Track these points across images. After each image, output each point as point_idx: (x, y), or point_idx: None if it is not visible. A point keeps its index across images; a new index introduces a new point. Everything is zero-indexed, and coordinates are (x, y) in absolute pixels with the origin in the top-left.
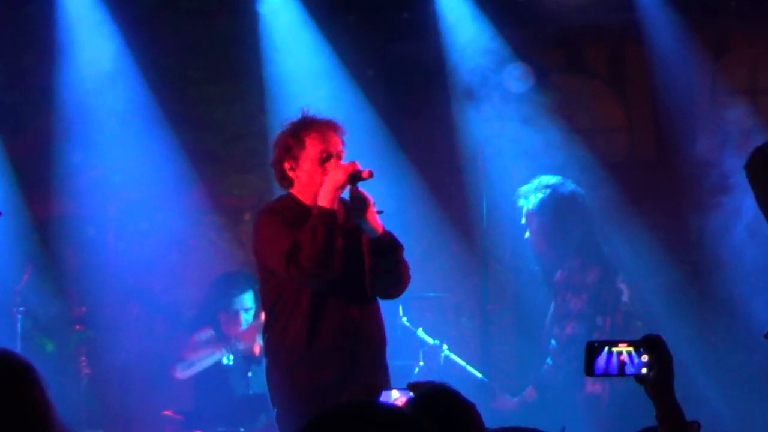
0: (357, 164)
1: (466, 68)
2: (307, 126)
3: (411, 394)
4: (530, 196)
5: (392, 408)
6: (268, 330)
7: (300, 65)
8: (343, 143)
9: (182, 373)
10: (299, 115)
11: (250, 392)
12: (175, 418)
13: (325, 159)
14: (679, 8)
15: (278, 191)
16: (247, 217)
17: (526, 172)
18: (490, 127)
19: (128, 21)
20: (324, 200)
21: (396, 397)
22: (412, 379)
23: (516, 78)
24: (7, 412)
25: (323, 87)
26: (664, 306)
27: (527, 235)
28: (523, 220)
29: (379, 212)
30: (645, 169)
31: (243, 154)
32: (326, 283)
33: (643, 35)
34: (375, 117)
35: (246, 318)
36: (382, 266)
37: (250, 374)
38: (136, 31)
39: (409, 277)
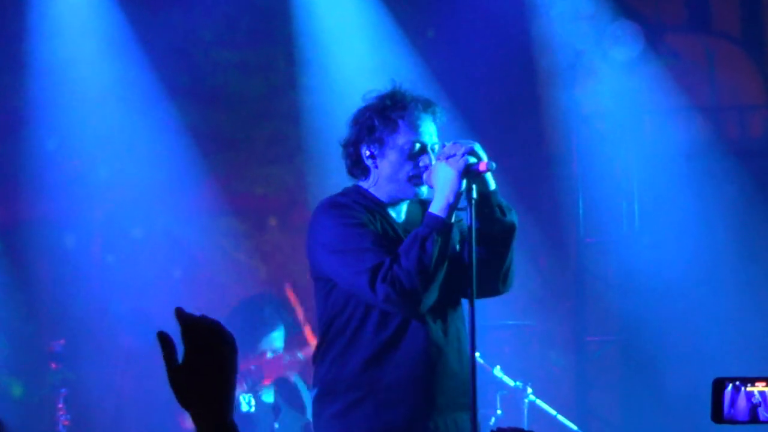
0: (468, 156)
1: (556, 32)
2: (400, 104)
3: None
4: None
5: None
6: (320, 357)
7: (340, 25)
8: (438, 131)
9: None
10: (389, 88)
11: None
12: None
13: (417, 152)
14: None
15: (313, 187)
16: (272, 222)
17: (636, 163)
18: (587, 106)
19: None
20: (440, 209)
21: None
22: None
23: (621, 40)
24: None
25: (372, 52)
26: None
27: None
28: None
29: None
30: None
31: (267, 139)
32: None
33: None
34: (437, 91)
35: (272, 361)
36: (499, 229)
37: (276, 426)
38: None
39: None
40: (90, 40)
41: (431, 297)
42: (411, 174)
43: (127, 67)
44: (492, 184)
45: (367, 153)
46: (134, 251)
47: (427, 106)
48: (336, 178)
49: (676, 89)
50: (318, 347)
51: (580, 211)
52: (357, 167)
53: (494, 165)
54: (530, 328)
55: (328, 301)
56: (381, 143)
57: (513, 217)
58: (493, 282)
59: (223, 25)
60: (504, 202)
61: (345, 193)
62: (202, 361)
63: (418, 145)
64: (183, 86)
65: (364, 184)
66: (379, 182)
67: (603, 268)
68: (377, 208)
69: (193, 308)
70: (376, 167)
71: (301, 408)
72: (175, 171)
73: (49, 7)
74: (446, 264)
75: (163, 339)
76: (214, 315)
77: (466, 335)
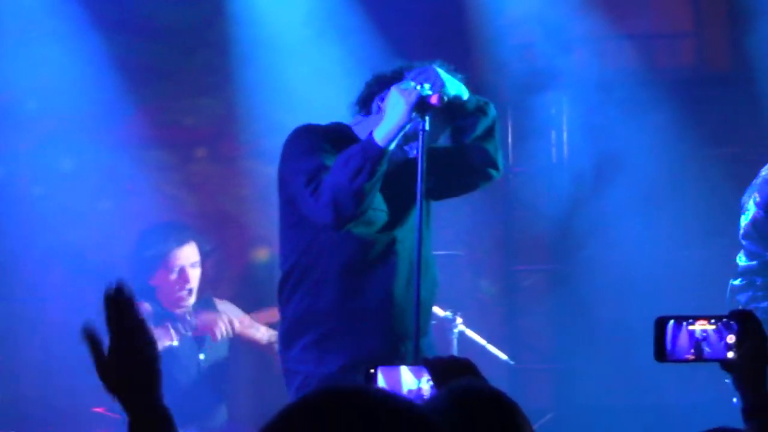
0: (423, 87)
1: None
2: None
3: (428, 377)
4: None
5: (407, 407)
6: (289, 291)
7: None
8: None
9: None
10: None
11: (204, 381)
12: (109, 416)
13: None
14: None
15: (243, 118)
16: (200, 153)
17: (565, 92)
18: (517, 35)
19: None
20: (382, 137)
21: (416, 386)
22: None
23: None
24: None
25: None
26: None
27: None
28: None
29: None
30: (718, 84)
31: (197, 70)
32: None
33: None
34: (366, 23)
35: (195, 276)
36: (483, 127)
37: (202, 356)
38: None
39: None
40: None
41: (356, 214)
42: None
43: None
44: (465, 94)
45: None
46: (63, 183)
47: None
48: (265, 108)
49: (606, 17)
50: (284, 282)
51: (509, 141)
52: (364, 103)
53: (447, 97)
54: (459, 258)
55: (295, 232)
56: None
57: (492, 111)
58: (489, 166)
59: None
60: (481, 101)
61: (328, 124)
62: (130, 353)
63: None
64: (111, 17)
65: (353, 121)
66: (369, 123)
67: (532, 197)
68: (351, 140)
69: (124, 237)
70: (378, 112)
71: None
72: (104, 103)
73: None
74: (369, 186)
75: (89, 335)
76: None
77: (434, 263)
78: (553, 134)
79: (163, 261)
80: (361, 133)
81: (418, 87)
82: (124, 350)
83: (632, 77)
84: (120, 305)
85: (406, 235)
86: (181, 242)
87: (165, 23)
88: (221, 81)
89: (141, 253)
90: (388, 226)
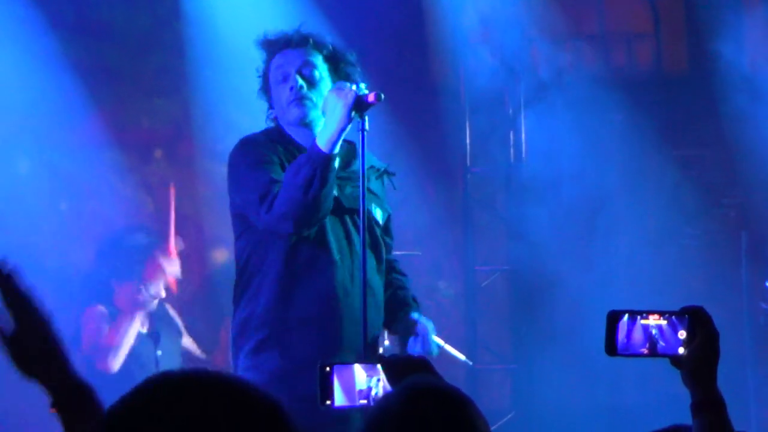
0: (358, 87)
1: None
2: (269, 48)
3: (382, 375)
4: None
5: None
6: (237, 297)
7: None
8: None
9: (113, 362)
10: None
11: None
12: None
13: (282, 79)
14: None
15: (198, 119)
16: (158, 154)
17: (523, 91)
18: (474, 35)
19: None
20: (325, 143)
21: (368, 384)
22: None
23: None
24: None
25: None
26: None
27: None
28: None
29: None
30: (675, 86)
31: (153, 72)
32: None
33: None
34: (321, 19)
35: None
36: None
37: (159, 353)
38: None
39: None
40: None
41: (310, 223)
42: (289, 99)
43: (8, 2)
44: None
45: (268, 104)
46: (19, 185)
47: (288, 42)
48: (221, 109)
49: (563, 17)
50: (235, 288)
51: (467, 141)
52: (265, 92)
53: (383, 95)
54: (417, 258)
55: (243, 240)
56: (266, 90)
57: None
58: None
59: None
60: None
61: (264, 131)
62: (30, 328)
63: (281, 73)
64: (67, 19)
65: (269, 115)
66: (283, 122)
67: (490, 197)
68: (287, 143)
69: (81, 240)
70: (275, 113)
71: (178, 332)
72: (60, 105)
73: None
74: (322, 193)
75: None
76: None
77: (380, 287)
78: (511, 134)
79: (148, 256)
80: (288, 128)
81: (353, 87)
82: (24, 326)
83: (590, 77)
84: (2, 282)
85: (344, 249)
86: (147, 252)
87: (120, 25)
88: (177, 82)
89: (121, 244)
90: (329, 233)
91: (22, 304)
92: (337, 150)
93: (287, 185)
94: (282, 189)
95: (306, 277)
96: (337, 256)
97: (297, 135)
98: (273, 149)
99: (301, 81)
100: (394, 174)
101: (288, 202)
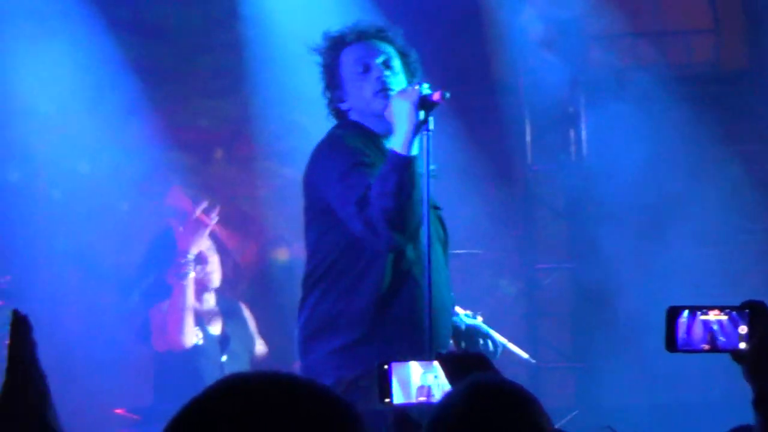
0: (422, 87)
1: None
2: (339, 42)
3: (440, 371)
4: None
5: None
6: (321, 293)
7: None
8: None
9: (180, 338)
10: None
11: None
12: (130, 417)
13: (364, 71)
14: None
15: (257, 118)
16: (218, 154)
17: (582, 89)
18: (533, 33)
19: None
20: (401, 146)
21: (425, 382)
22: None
23: None
24: None
25: None
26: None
27: None
28: None
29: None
30: (735, 81)
31: (210, 71)
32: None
33: None
34: (380, 18)
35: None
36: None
37: (224, 359)
38: None
39: None
40: None
41: (406, 230)
42: (375, 89)
43: (66, 1)
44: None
45: (336, 98)
46: (80, 186)
47: (362, 34)
48: (279, 109)
49: (621, 14)
50: (315, 284)
51: (527, 139)
52: (335, 112)
53: (448, 94)
54: (479, 256)
55: (331, 235)
56: (338, 84)
57: None
58: None
59: None
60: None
61: (343, 126)
62: (25, 384)
63: (362, 64)
64: (124, 19)
65: (344, 106)
66: (359, 114)
67: (551, 195)
68: (372, 137)
69: (142, 240)
70: (349, 105)
71: (250, 337)
72: (119, 105)
73: None
74: (414, 196)
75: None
76: (160, 247)
77: (449, 279)
78: (572, 132)
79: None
80: (367, 121)
81: (417, 87)
82: (15, 382)
83: (649, 74)
84: (21, 329)
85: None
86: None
87: (177, 24)
88: (236, 82)
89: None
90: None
91: (24, 354)
92: (415, 151)
93: (377, 196)
94: (373, 205)
95: (410, 276)
96: (424, 258)
97: (377, 127)
98: (359, 146)
99: (387, 71)
100: (435, 176)
101: (384, 215)
